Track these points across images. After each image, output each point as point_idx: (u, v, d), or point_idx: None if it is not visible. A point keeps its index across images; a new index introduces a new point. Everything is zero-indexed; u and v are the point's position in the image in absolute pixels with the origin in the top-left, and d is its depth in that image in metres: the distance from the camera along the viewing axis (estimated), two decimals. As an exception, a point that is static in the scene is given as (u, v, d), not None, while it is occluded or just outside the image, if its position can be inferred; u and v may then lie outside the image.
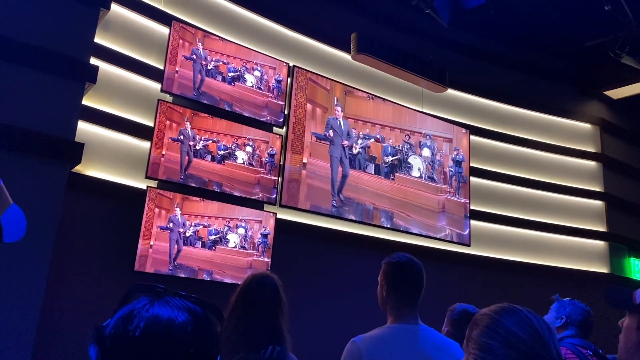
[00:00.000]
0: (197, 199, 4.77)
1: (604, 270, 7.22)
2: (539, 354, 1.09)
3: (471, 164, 6.72)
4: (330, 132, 5.72)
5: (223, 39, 5.22)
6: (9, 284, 3.41)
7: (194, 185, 4.79)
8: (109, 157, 4.51)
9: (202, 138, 4.90)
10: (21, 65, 3.81)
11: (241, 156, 5.10)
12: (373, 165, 5.97)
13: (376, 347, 1.98)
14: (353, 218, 5.68)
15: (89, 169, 4.36)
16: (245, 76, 5.27)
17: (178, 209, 4.62)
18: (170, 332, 0.82)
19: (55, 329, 3.91)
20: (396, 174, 6.10)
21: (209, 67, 5.06)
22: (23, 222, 1.03)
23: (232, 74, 5.20)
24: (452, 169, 6.52)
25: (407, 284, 2.12)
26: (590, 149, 7.71)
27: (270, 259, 5.01)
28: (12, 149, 3.67)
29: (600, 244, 7.35)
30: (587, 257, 7.20)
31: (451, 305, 3.10)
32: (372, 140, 6.02)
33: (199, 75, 4.98)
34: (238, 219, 4.94)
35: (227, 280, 4.75)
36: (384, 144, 6.10)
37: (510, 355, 1.10)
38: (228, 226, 4.88)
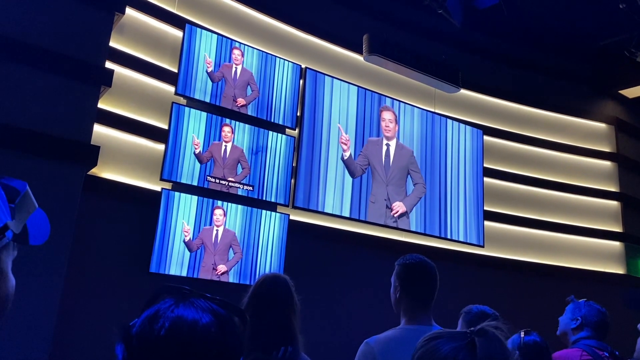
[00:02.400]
0: (212, 200, 4.79)
1: (619, 271, 7.14)
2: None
3: (485, 165, 6.69)
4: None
5: (235, 42, 5.25)
6: (28, 285, 3.46)
7: (208, 187, 4.82)
8: (124, 160, 4.56)
9: (216, 140, 4.93)
10: (37, 69, 3.87)
11: (254, 157, 5.12)
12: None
13: (390, 348, 1.98)
14: (366, 219, 5.69)
15: (105, 172, 4.41)
16: (257, 78, 5.30)
17: (194, 212, 4.66)
18: (194, 333, 0.85)
19: (72, 329, 3.96)
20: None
21: (222, 69, 5.09)
22: (47, 226, 1.06)
23: (243, 74, 5.23)
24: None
25: (421, 285, 2.12)
26: (606, 148, 7.63)
27: (283, 260, 5.03)
28: (29, 151, 3.72)
29: (615, 244, 7.28)
30: (602, 258, 7.13)
31: (466, 307, 3.08)
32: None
33: (212, 78, 5.02)
34: (250, 219, 4.97)
35: (240, 282, 4.78)
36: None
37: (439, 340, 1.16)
38: (242, 227, 4.91)
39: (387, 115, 6.11)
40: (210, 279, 4.67)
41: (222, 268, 4.75)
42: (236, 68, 5.21)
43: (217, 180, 4.87)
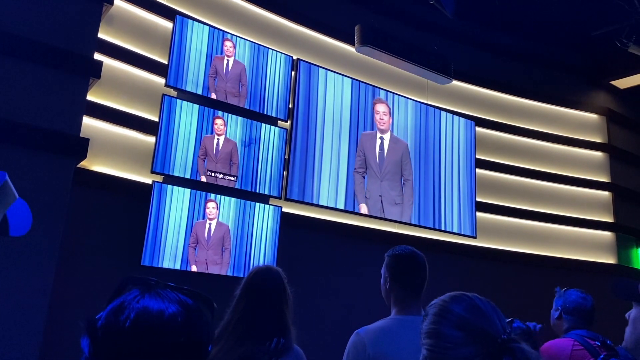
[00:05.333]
0: (205, 193, 4.77)
1: (611, 261, 7.19)
2: (483, 329, 1.12)
3: (477, 156, 6.70)
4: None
5: (226, 32, 5.21)
6: (18, 279, 3.44)
7: (200, 179, 4.79)
8: (114, 152, 4.53)
9: (207, 132, 4.90)
10: (25, 61, 3.82)
11: (247, 150, 5.10)
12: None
13: (380, 338, 1.98)
14: (358, 211, 5.68)
15: (95, 164, 4.38)
16: (248, 69, 5.26)
17: (186, 205, 4.64)
18: (160, 323, 0.83)
19: (62, 322, 3.93)
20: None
21: (212, 61, 5.05)
22: (29, 217, 1.04)
23: (235, 67, 5.19)
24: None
25: (410, 276, 2.12)
26: (597, 139, 7.66)
27: (276, 253, 5.02)
28: (18, 144, 3.69)
29: (607, 234, 7.32)
30: (594, 248, 7.17)
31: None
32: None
33: (203, 69, 4.98)
34: (244, 212, 4.95)
35: (232, 274, 4.77)
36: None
37: (457, 335, 1.12)
38: (235, 219, 4.89)
39: (380, 108, 6.05)
40: (202, 271, 4.65)
41: (215, 268, 4.71)
42: (228, 60, 5.16)
43: (212, 174, 4.84)
